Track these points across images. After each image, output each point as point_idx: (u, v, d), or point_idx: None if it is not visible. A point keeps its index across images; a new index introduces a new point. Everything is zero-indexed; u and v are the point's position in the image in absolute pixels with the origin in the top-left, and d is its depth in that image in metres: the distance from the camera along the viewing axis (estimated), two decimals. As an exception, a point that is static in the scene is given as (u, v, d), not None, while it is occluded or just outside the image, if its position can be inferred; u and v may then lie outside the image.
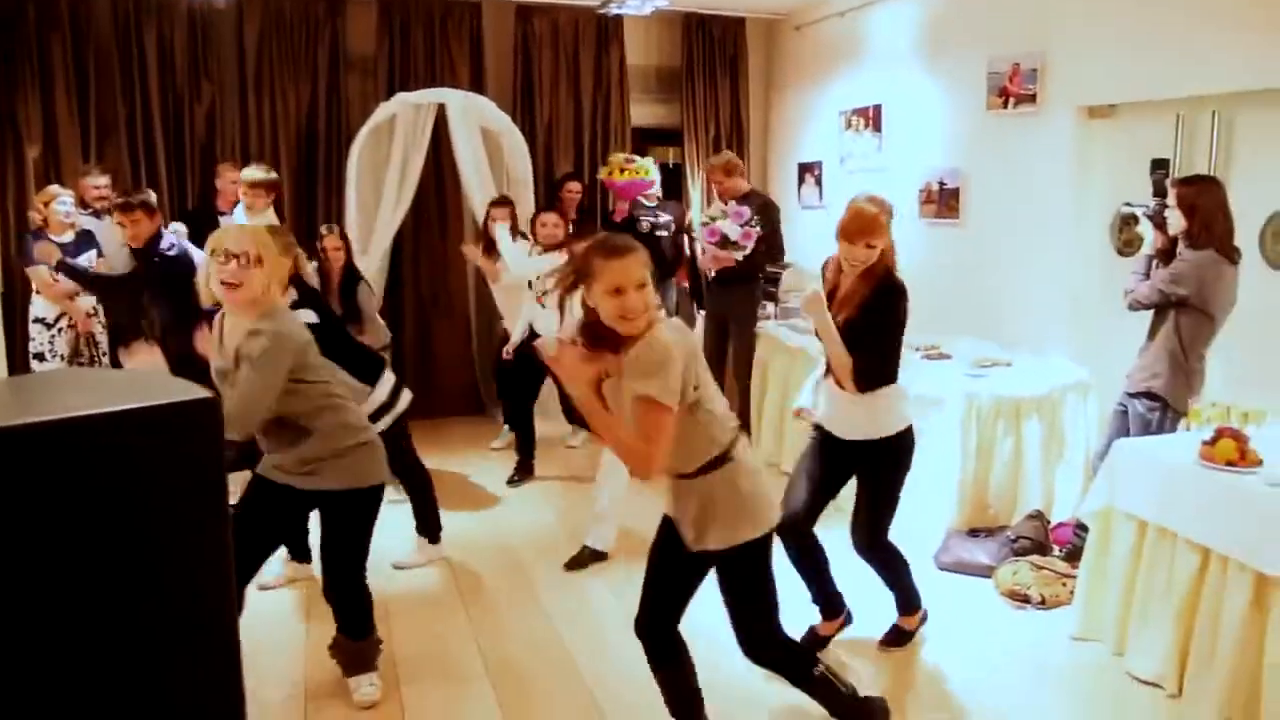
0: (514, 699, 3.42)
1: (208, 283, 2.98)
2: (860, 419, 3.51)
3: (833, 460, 3.62)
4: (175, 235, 5.06)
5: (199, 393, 1.36)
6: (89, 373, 1.64)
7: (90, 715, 1.28)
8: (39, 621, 1.24)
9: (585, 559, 4.54)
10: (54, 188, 5.76)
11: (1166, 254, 4.01)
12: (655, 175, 7.05)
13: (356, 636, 3.37)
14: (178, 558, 1.32)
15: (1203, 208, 3.83)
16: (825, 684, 2.87)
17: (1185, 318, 3.86)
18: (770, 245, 6.18)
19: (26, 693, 1.20)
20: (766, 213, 6.16)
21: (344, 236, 5.37)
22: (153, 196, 5.09)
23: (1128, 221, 4.92)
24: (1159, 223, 4.01)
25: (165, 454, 1.29)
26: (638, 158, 7.06)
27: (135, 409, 1.29)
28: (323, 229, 5.39)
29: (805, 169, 7.70)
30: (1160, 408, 3.92)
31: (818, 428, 3.70)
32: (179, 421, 1.29)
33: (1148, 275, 4.04)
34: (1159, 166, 4.15)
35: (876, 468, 3.57)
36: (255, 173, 5.66)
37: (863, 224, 3.42)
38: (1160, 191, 4.04)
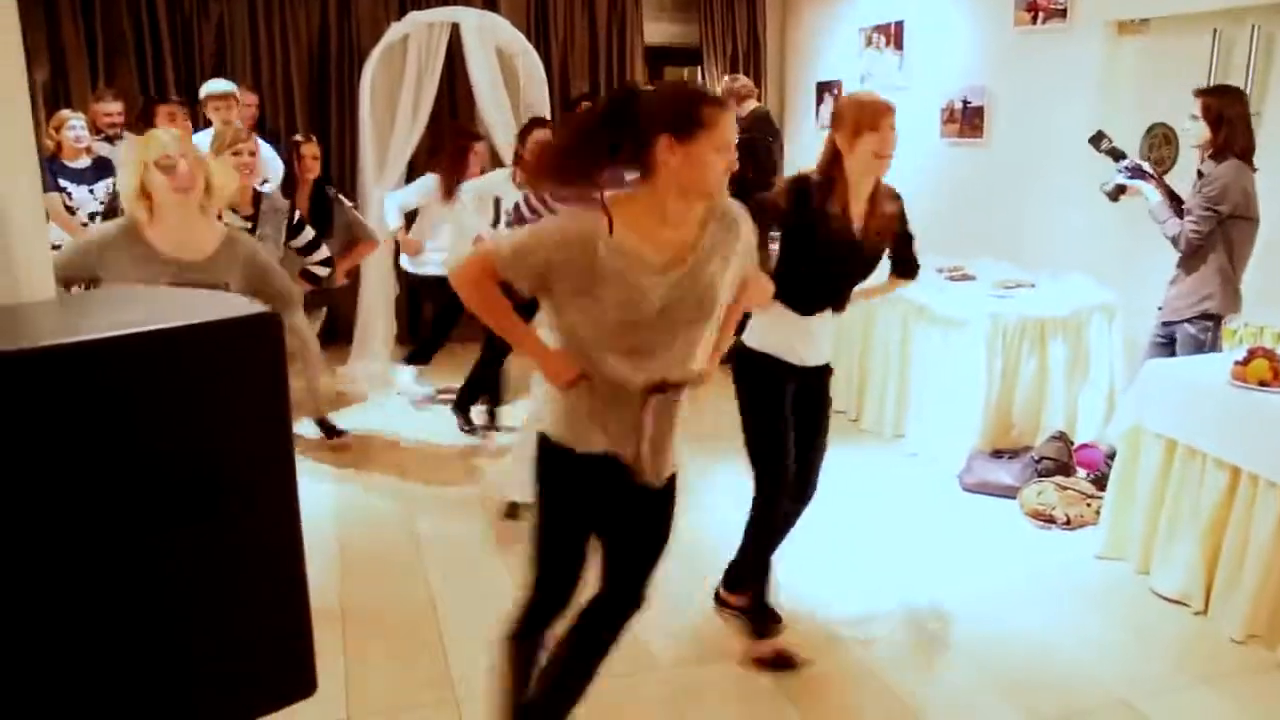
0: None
1: (140, 193, 2.97)
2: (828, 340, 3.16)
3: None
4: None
5: (258, 308, 1.33)
6: (140, 290, 1.62)
7: (147, 645, 1.28)
8: (91, 548, 1.23)
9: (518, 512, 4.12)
10: (65, 112, 5.67)
11: (1172, 197, 4.01)
12: None
13: None
14: (241, 480, 1.31)
15: (1230, 118, 3.81)
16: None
17: (1235, 231, 3.83)
18: (758, 164, 5.99)
19: (80, 623, 1.20)
20: (757, 128, 6.12)
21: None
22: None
23: (1156, 141, 4.84)
24: (1152, 175, 4.08)
25: (226, 371, 1.28)
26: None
27: (195, 324, 1.27)
28: (298, 136, 5.48)
29: (824, 88, 7.57)
30: (1213, 326, 3.90)
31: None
32: (240, 337, 1.28)
33: (1179, 216, 3.97)
34: (1102, 138, 4.18)
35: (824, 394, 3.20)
36: (221, 84, 5.57)
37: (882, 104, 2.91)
38: (1118, 155, 4.10)
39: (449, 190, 5.43)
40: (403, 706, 2.92)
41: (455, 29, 6.32)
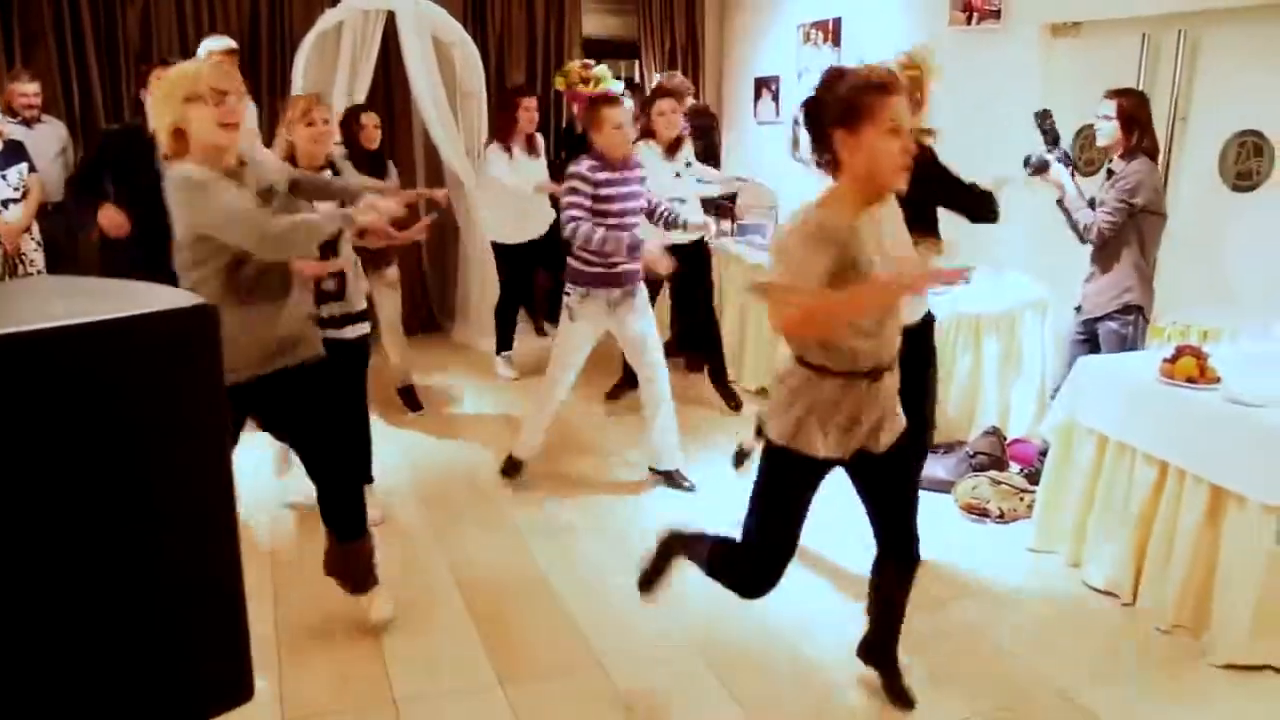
0: (490, 621, 3.42)
1: (175, 131, 2.70)
2: None
3: None
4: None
5: (193, 299, 1.28)
6: (71, 280, 1.55)
7: (84, 646, 1.23)
8: (20, 546, 1.18)
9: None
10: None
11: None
12: (617, 85, 6.89)
13: (355, 535, 3.19)
14: (176, 478, 1.26)
15: (1140, 119, 3.92)
16: None
17: (1146, 225, 3.93)
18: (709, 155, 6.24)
19: (18, 615, 1.15)
20: (698, 119, 6.23)
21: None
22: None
23: (1086, 143, 4.94)
24: (1075, 169, 4.19)
25: (162, 366, 1.22)
26: (594, 64, 6.86)
27: (127, 317, 1.21)
28: (358, 107, 5.30)
29: (762, 84, 7.59)
30: (1134, 319, 3.98)
31: None
32: (175, 331, 1.22)
33: (1091, 206, 4.07)
34: (1048, 116, 4.24)
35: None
36: (224, 40, 5.43)
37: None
38: (1054, 139, 4.19)
39: (507, 146, 5.87)
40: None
41: (391, 16, 6.23)
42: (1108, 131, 3.96)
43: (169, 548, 1.25)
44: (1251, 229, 4.20)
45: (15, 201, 5.22)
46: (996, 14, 5.28)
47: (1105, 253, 4.01)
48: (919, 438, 3.38)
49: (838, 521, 3.86)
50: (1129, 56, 4.65)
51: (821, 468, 2.57)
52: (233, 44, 5.46)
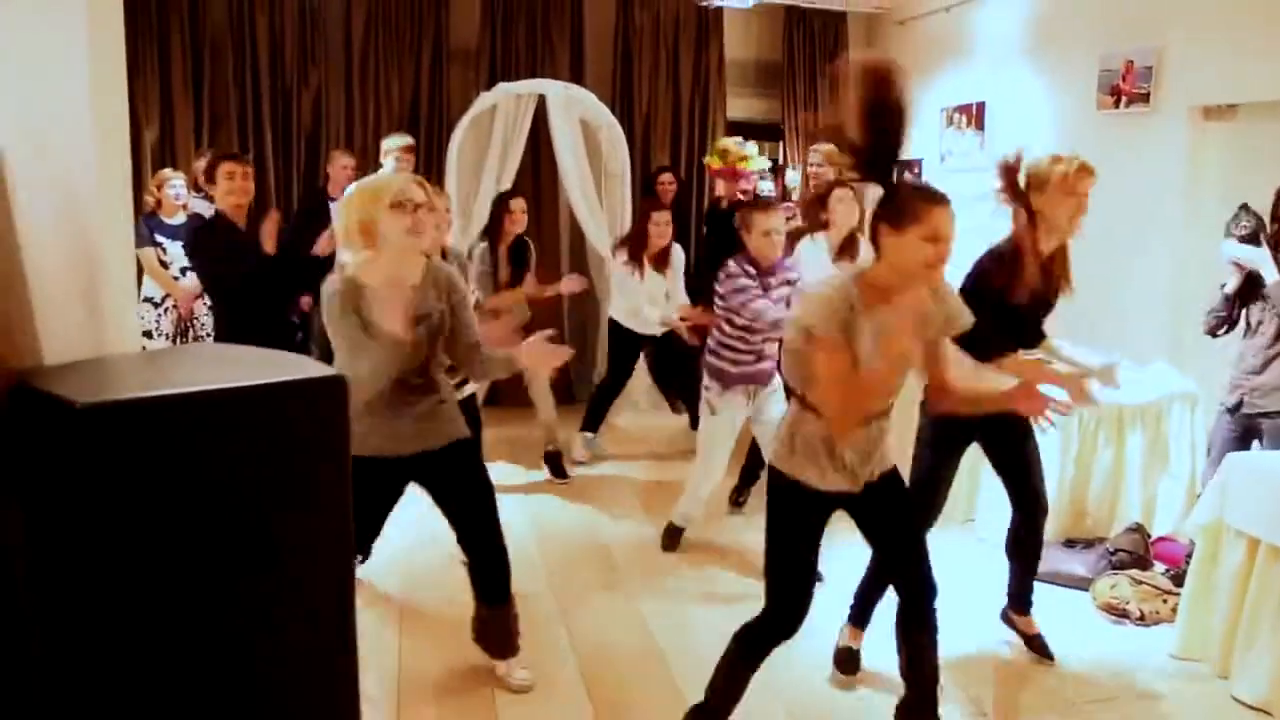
0: (603, 688, 3.44)
1: (366, 232, 2.96)
2: None
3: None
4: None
5: (327, 370, 1.38)
6: (220, 348, 1.68)
7: (207, 687, 1.31)
8: (161, 594, 1.27)
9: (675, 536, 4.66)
10: (167, 171, 5.96)
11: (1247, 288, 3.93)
12: (758, 165, 6.99)
13: (502, 600, 3.34)
14: (301, 534, 1.35)
15: None
16: None
17: None
18: None
19: (145, 661, 1.24)
20: None
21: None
22: None
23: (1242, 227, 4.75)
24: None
25: (295, 430, 1.32)
26: (745, 144, 6.98)
27: (267, 384, 1.32)
28: (506, 194, 5.62)
29: (904, 166, 7.58)
30: None
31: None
32: (309, 398, 1.32)
33: (1229, 316, 3.91)
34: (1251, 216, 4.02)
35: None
36: (404, 138, 5.85)
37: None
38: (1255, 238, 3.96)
39: (638, 261, 5.63)
40: None
41: (541, 100, 6.51)
42: None
43: (288, 598, 1.33)
44: None
45: (192, 269, 5.64)
46: (1146, 98, 5.17)
47: None
48: (1032, 516, 3.57)
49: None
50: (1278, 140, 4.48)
51: (822, 502, 2.75)
52: (411, 141, 5.86)
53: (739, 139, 7.03)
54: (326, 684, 1.43)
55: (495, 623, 3.35)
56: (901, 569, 2.95)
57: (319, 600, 1.40)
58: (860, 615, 3.52)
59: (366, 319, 2.92)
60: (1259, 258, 3.89)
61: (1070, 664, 3.64)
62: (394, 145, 5.76)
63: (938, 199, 2.54)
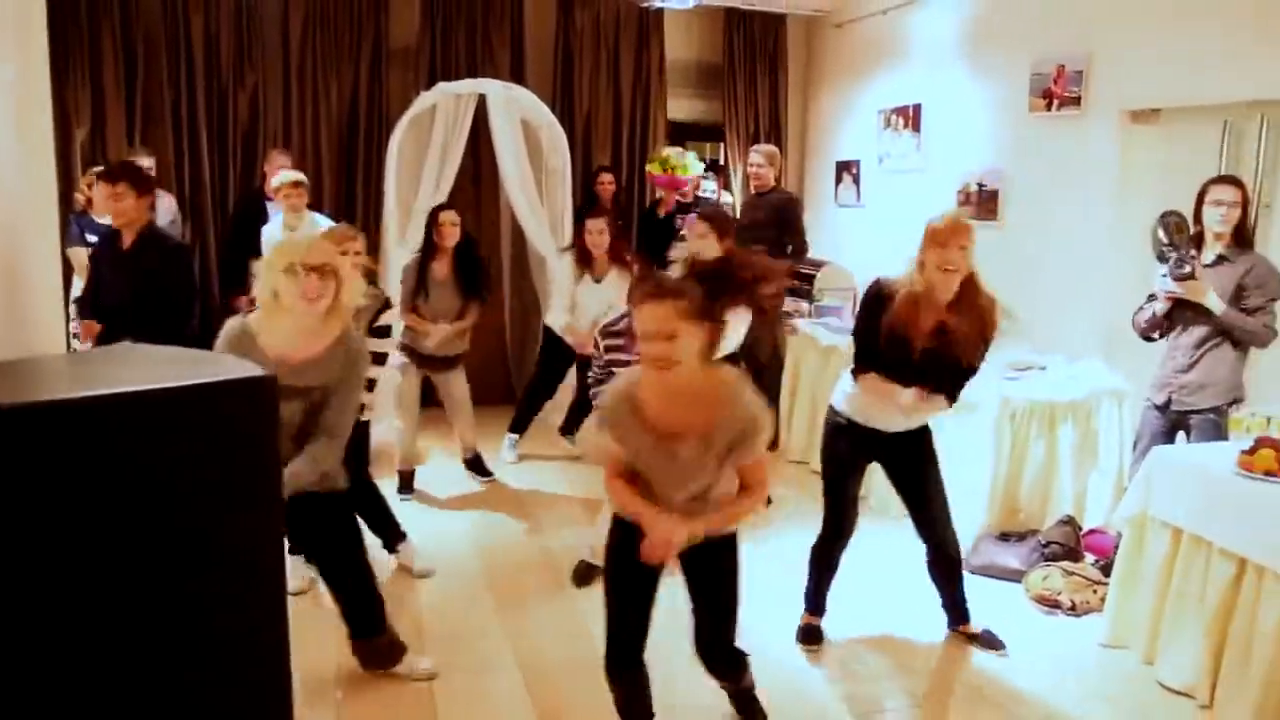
0: (545, 697, 3.44)
1: (272, 293, 2.99)
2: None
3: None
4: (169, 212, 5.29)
5: (254, 370, 1.38)
6: (147, 349, 1.66)
7: (135, 688, 1.30)
8: (87, 594, 1.26)
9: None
10: (98, 169, 5.83)
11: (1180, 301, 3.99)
12: (695, 171, 7.05)
13: (377, 631, 3.40)
14: (229, 533, 1.34)
15: (1248, 203, 3.87)
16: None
17: (1265, 318, 3.82)
18: (791, 244, 6.29)
19: (70, 662, 1.23)
20: (787, 209, 6.33)
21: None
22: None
23: (1170, 229, 4.87)
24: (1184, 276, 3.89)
25: (220, 430, 1.31)
26: (685, 154, 7.04)
27: (193, 385, 1.31)
28: (438, 207, 5.47)
29: (843, 167, 7.68)
30: (1227, 411, 3.88)
31: None
32: (236, 397, 1.32)
33: (1162, 324, 4.04)
34: (1178, 226, 3.96)
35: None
36: (293, 174, 5.76)
37: (958, 227, 3.40)
38: (1175, 244, 3.92)
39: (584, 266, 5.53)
40: None
41: (482, 100, 6.49)
42: (1230, 219, 3.86)
43: (218, 598, 1.33)
44: (1338, 320, 4.09)
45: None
46: (1077, 101, 5.29)
47: (1220, 347, 3.92)
48: (934, 547, 3.75)
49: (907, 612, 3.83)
50: (1210, 143, 4.61)
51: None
52: (299, 177, 5.79)
53: (679, 149, 7.11)
54: (258, 684, 1.43)
55: (374, 649, 3.42)
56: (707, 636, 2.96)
57: (250, 599, 1.40)
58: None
59: None
60: (1195, 291, 3.91)
61: (1005, 654, 3.72)
62: (282, 183, 5.69)
63: (643, 293, 2.54)
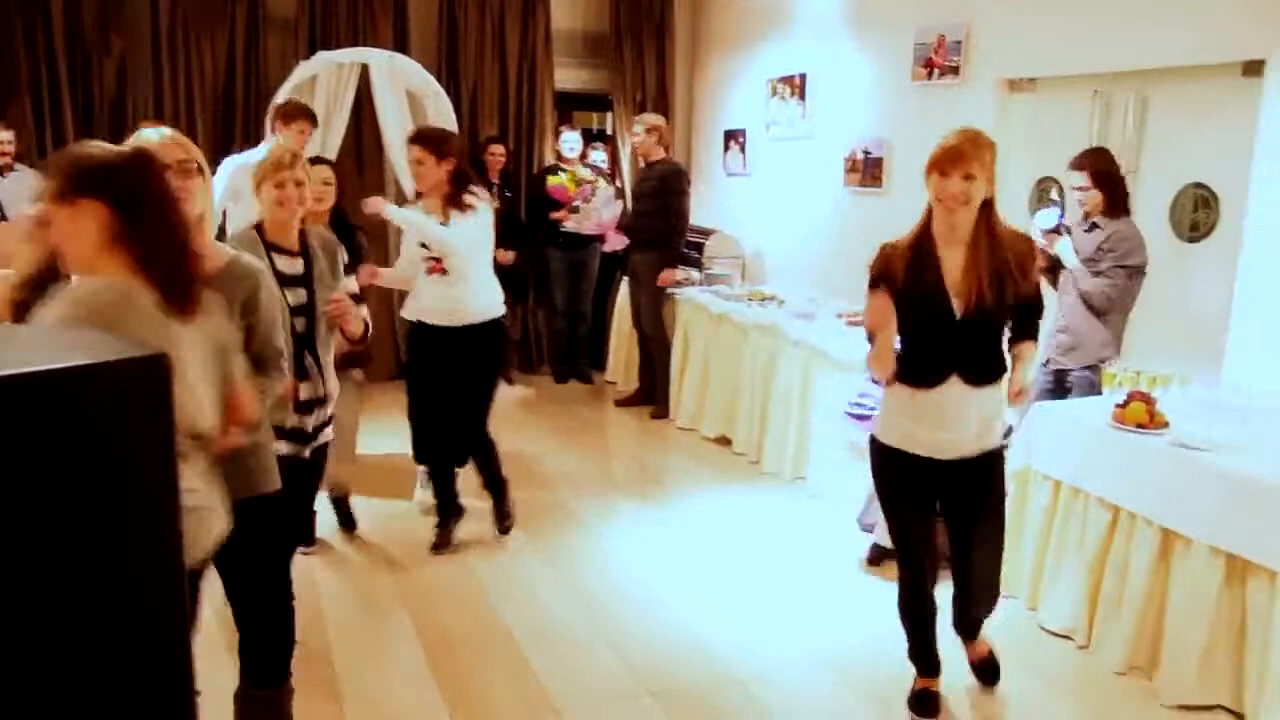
0: (451, 672, 3.43)
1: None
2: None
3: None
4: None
5: (148, 350, 1.32)
6: (26, 329, 1.58)
7: (22, 683, 1.25)
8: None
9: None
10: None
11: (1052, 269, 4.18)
12: (581, 184, 7.16)
13: (275, 683, 2.69)
14: (127, 524, 1.29)
15: (1112, 174, 4.07)
16: None
17: (1134, 284, 4.02)
18: (670, 213, 6.39)
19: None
20: (667, 180, 6.40)
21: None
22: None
23: (1044, 194, 5.06)
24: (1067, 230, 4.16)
25: (116, 414, 1.26)
26: (580, 171, 7.21)
27: (84, 365, 1.25)
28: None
29: (730, 136, 7.74)
30: (1100, 369, 4.07)
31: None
32: (129, 380, 1.26)
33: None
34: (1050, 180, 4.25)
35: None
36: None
37: (959, 152, 2.79)
38: (1055, 202, 4.23)
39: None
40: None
41: (365, 70, 6.33)
42: (1090, 200, 4.07)
43: (115, 592, 1.27)
44: (1200, 278, 4.31)
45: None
46: (956, 70, 5.43)
47: (1093, 310, 4.10)
48: (964, 605, 3.27)
49: (801, 580, 3.92)
50: (1082, 112, 4.79)
51: None
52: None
53: (588, 170, 7.23)
54: (157, 672, 1.38)
55: (265, 711, 2.67)
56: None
57: (148, 585, 1.35)
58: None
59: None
60: (1052, 244, 4.16)
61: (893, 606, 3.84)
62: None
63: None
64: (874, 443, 3.06)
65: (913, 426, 2.94)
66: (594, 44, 8.06)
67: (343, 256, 3.28)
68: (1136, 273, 4.03)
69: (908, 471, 3.00)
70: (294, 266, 3.07)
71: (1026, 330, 3.01)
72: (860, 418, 4.35)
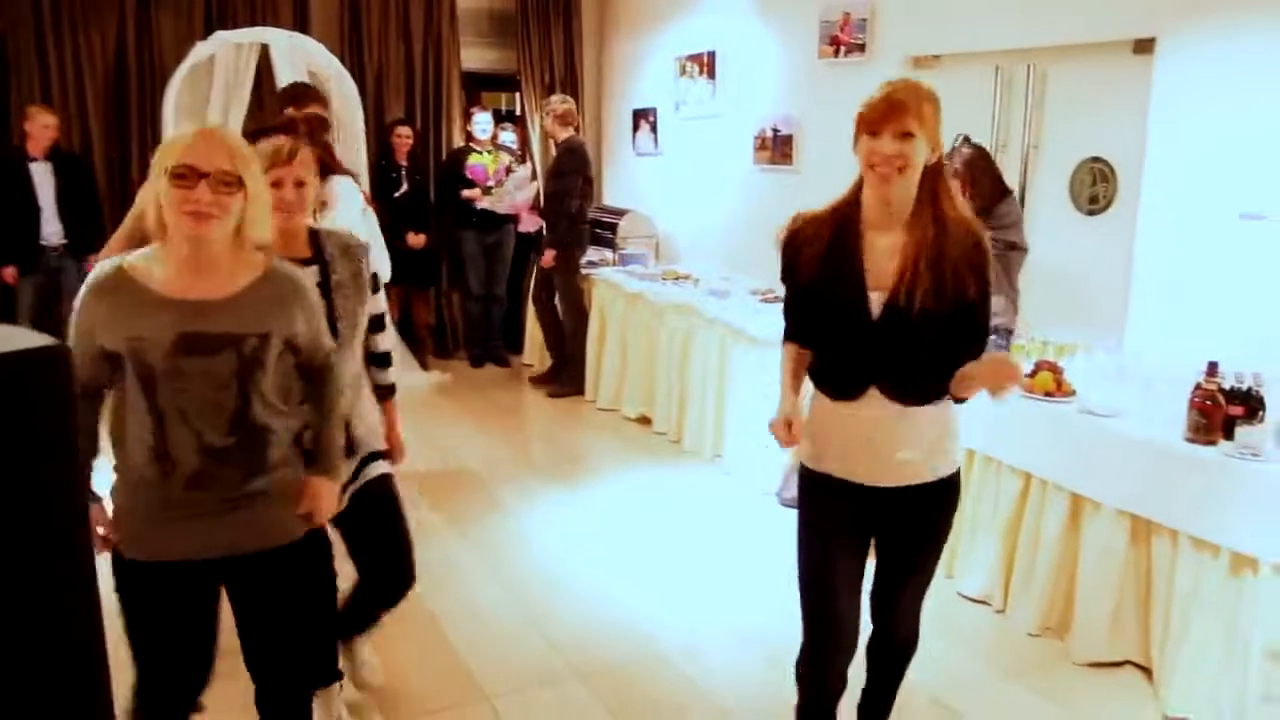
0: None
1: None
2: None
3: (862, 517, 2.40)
4: None
5: (43, 340, 1.26)
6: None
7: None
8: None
9: None
10: None
11: None
12: (501, 164, 7.09)
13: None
14: (27, 531, 1.23)
15: (980, 175, 4.10)
16: None
17: (1012, 259, 4.11)
18: (561, 193, 6.44)
19: None
20: (559, 160, 6.49)
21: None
22: None
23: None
24: None
25: (12, 410, 1.20)
26: (501, 155, 7.18)
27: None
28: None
29: (640, 115, 7.72)
30: (1004, 339, 4.16)
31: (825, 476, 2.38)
32: (23, 373, 1.20)
33: None
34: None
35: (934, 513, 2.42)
36: None
37: (891, 104, 2.22)
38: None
39: None
40: None
41: (265, 50, 6.14)
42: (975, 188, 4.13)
43: (15, 593, 1.22)
44: (1101, 250, 4.44)
45: None
46: (861, 48, 5.49)
47: None
48: (893, 624, 2.55)
49: (741, 562, 3.94)
50: (984, 88, 4.89)
51: None
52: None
53: (509, 158, 7.18)
54: (70, 689, 1.32)
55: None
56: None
57: (56, 598, 1.29)
58: None
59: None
60: None
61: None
62: None
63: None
64: (803, 474, 2.42)
65: (842, 446, 2.31)
66: (500, 23, 7.96)
67: (370, 266, 2.69)
68: (1014, 248, 4.12)
69: (840, 502, 2.34)
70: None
71: (965, 350, 2.25)
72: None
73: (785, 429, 2.28)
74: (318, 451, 2.25)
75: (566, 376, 6.57)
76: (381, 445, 2.85)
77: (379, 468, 2.81)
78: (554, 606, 3.70)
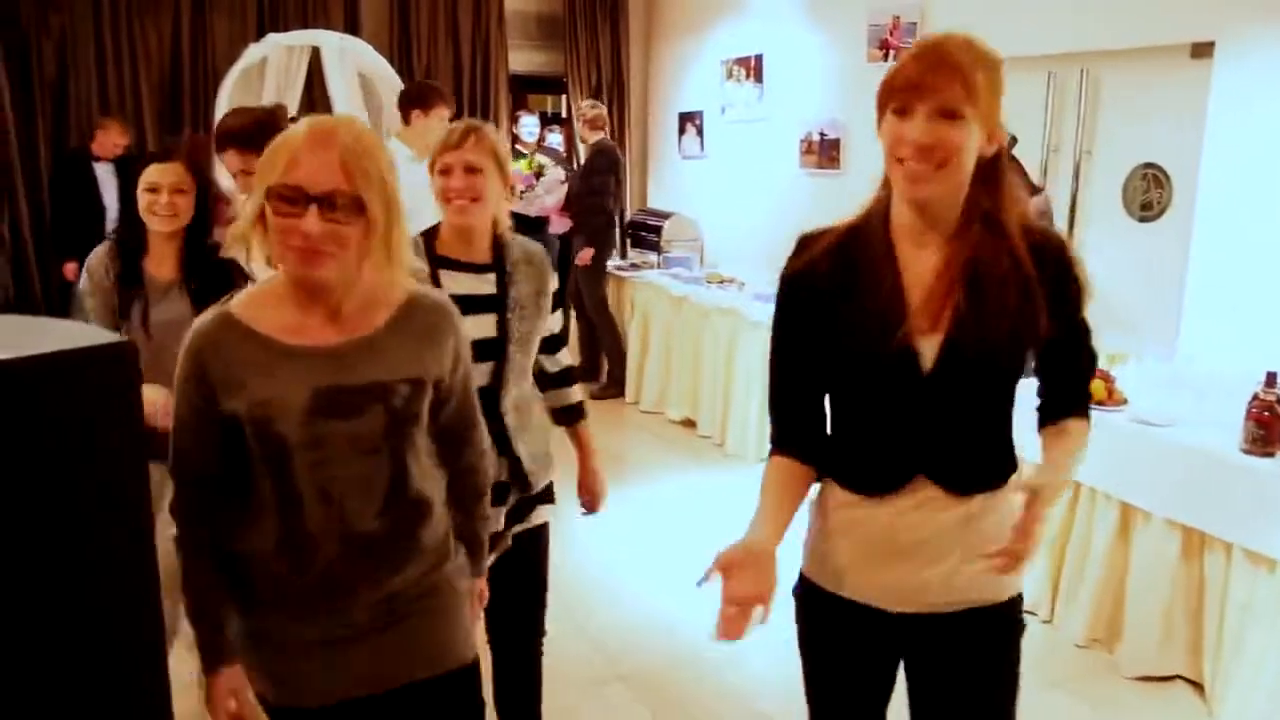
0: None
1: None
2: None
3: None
4: None
5: (109, 336, 1.29)
6: (22, 320, 1.52)
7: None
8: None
9: None
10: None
11: None
12: (533, 168, 7.13)
13: None
14: (94, 523, 1.25)
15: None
16: None
17: None
18: (598, 191, 6.54)
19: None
20: (591, 161, 6.61)
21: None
22: None
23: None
24: None
25: (77, 406, 1.22)
26: (539, 157, 7.15)
27: (40, 355, 1.21)
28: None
29: (686, 118, 7.72)
30: None
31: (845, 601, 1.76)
32: (90, 371, 1.22)
33: None
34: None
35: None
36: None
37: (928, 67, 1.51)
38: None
39: None
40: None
41: (316, 52, 6.22)
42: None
43: (83, 588, 1.24)
44: (1154, 257, 4.37)
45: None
46: (910, 51, 5.45)
47: None
48: None
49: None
50: (1036, 92, 4.83)
51: None
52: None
53: (544, 156, 7.14)
54: (130, 670, 1.34)
55: None
56: None
57: (117, 585, 1.31)
58: None
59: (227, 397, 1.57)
60: None
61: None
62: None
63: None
64: (802, 584, 1.83)
65: (861, 558, 1.70)
66: (548, 26, 7.99)
67: (553, 283, 2.35)
68: None
69: (855, 633, 1.76)
70: (478, 285, 2.19)
71: (1069, 396, 1.76)
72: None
73: (740, 581, 1.60)
74: (466, 548, 1.82)
75: (609, 379, 6.59)
76: (550, 477, 2.47)
77: (543, 514, 2.47)
78: (596, 608, 3.71)
